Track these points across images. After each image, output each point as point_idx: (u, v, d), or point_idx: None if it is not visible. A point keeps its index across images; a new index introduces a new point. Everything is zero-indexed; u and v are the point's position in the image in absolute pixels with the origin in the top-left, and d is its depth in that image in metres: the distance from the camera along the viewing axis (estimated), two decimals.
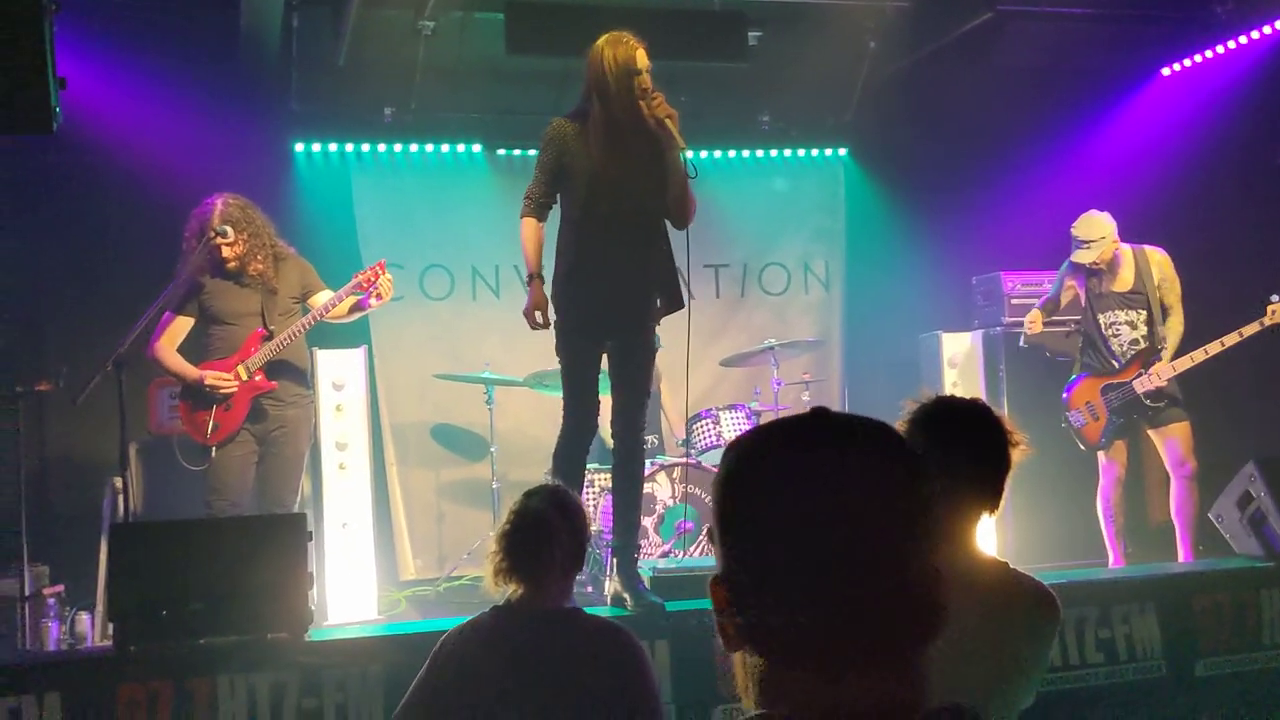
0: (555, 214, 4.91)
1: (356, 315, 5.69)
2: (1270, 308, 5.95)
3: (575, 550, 3.08)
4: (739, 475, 1.26)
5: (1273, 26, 7.19)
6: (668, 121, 4.59)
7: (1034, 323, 6.54)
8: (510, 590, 3.05)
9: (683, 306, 4.98)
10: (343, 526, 6.39)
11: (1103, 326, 6.36)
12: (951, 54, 7.59)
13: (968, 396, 2.79)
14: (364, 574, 6.38)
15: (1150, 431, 6.34)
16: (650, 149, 4.68)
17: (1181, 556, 6.12)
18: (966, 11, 7.03)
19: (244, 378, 5.40)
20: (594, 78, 4.74)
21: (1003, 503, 2.63)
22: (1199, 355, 6.10)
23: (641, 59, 4.69)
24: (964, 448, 2.54)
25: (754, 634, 1.22)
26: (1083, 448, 6.49)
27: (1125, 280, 6.33)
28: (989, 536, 7.03)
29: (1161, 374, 6.14)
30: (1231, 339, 6.03)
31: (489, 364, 7.45)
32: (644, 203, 4.73)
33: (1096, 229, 6.29)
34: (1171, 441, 6.21)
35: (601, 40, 4.73)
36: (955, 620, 2.46)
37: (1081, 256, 6.31)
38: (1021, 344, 6.92)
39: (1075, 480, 6.61)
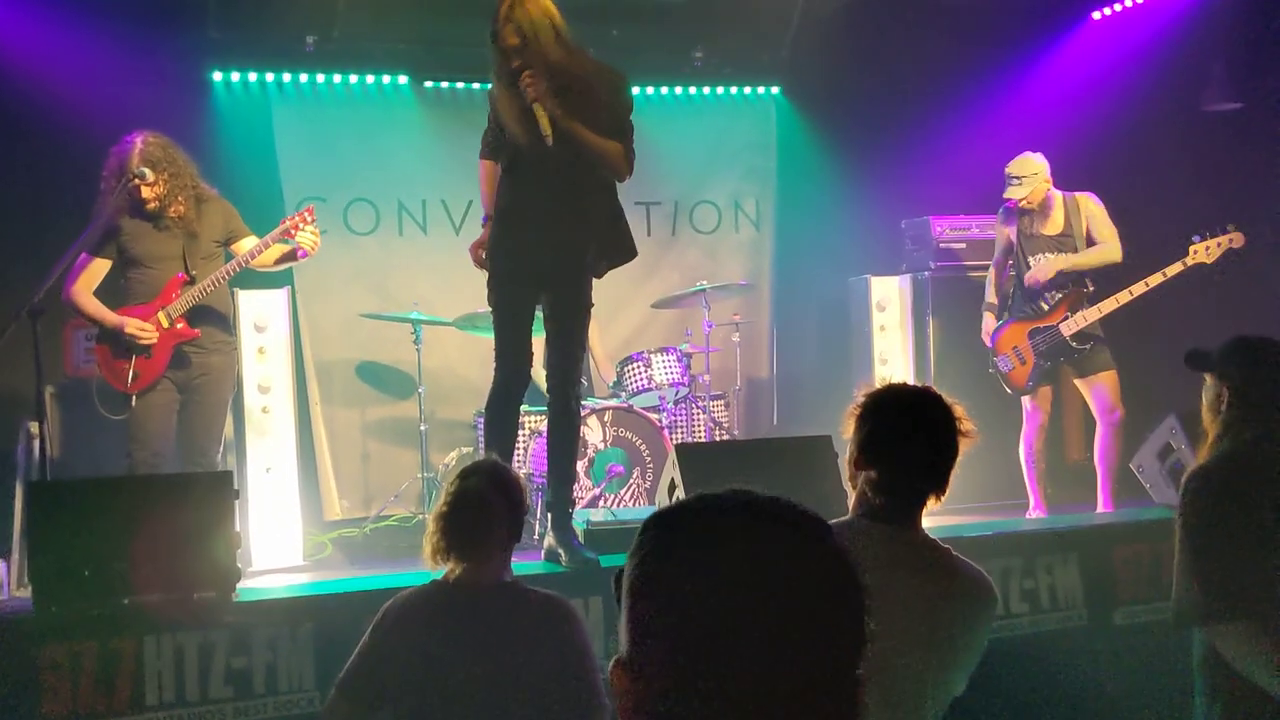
0: None
1: (284, 266, 5.55)
2: (1192, 247, 6.04)
3: (514, 525, 3.07)
4: (656, 558, 1.18)
5: None
6: (535, 108, 4.46)
7: (989, 334, 6.61)
8: (449, 567, 3.01)
9: (632, 257, 4.90)
10: (266, 471, 6.27)
11: (1030, 268, 6.42)
12: None
13: (908, 376, 2.80)
14: (288, 519, 6.29)
15: (1078, 380, 6.42)
16: (569, 105, 4.55)
17: (1101, 503, 6.25)
18: None
19: (165, 325, 5.24)
20: None
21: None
22: (1124, 296, 6.16)
23: (506, 36, 4.51)
24: (912, 436, 2.55)
25: None
26: (1009, 392, 6.57)
27: (1056, 223, 6.38)
28: None
29: (1089, 316, 6.21)
30: (1155, 279, 6.09)
31: (417, 303, 7.32)
32: (570, 157, 4.62)
33: (1028, 166, 6.34)
34: (1099, 389, 6.30)
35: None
36: (896, 608, 2.48)
37: (1013, 192, 6.36)
38: (992, 370, 6.73)
39: (998, 424, 6.69)
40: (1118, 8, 7.90)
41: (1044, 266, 6.29)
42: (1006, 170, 6.40)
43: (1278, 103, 7.24)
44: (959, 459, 2.63)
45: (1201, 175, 7.37)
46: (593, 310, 4.96)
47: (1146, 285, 6.10)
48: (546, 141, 4.47)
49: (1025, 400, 6.52)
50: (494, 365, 4.81)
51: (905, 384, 2.75)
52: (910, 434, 2.56)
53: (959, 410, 2.59)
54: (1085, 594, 5.13)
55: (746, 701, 1.11)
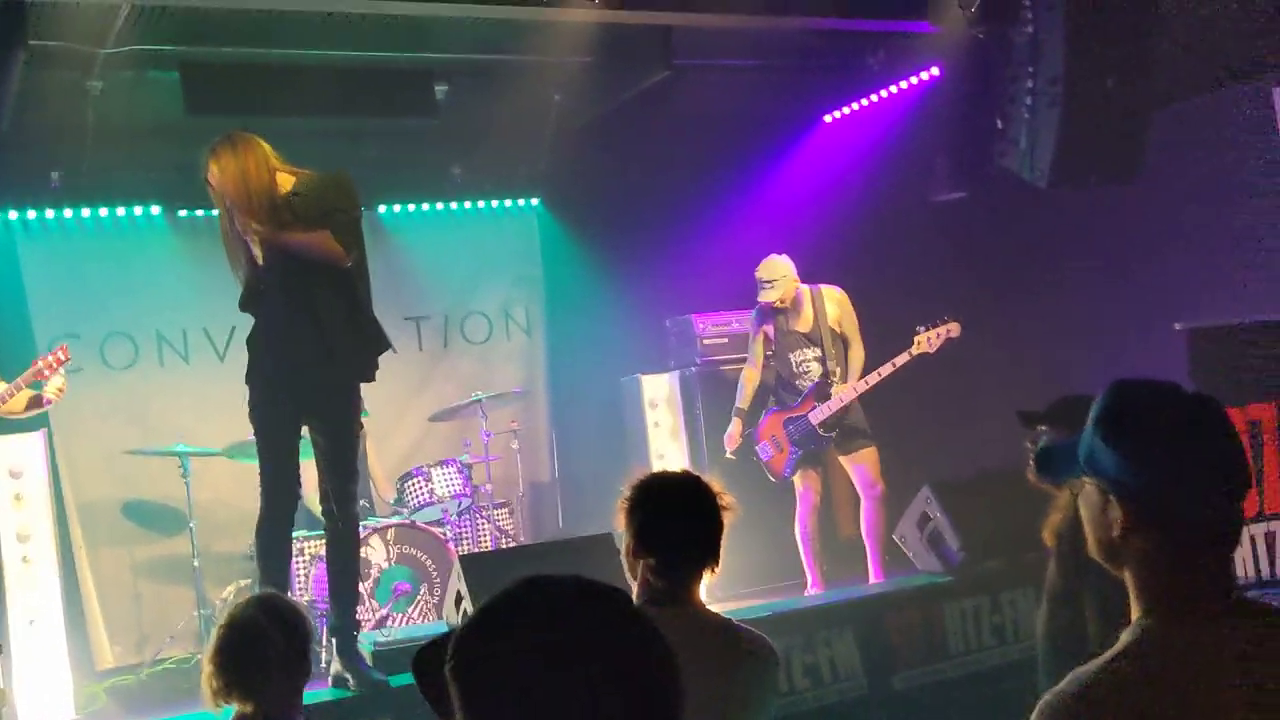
0: None
1: (34, 411, 5.36)
2: (916, 338, 6.50)
3: (295, 655, 2.97)
4: (465, 670, 1.28)
5: (919, 77, 7.83)
6: (251, 240, 4.60)
7: (731, 439, 6.85)
8: (235, 709, 2.91)
9: (386, 348, 4.91)
10: (30, 624, 5.96)
11: (793, 365, 6.76)
12: (633, 104, 7.87)
13: (678, 464, 2.97)
14: (57, 672, 5.97)
15: (841, 458, 6.77)
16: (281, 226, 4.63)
17: (872, 574, 6.56)
18: (646, 67, 7.30)
19: None
20: None
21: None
22: (860, 386, 6.59)
23: (211, 169, 4.64)
24: (680, 518, 2.73)
25: None
26: (772, 479, 6.86)
27: (806, 319, 6.75)
28: None
29: (831, 406, 6.58)
30: (886, 369, 6.55)
31: (182, 435, 7.13)
32: (297, 275, 4.68)
33: (777, 270, 6.71)
34: (860, 467, 6.67)
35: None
36: (691, 682, 2.60)
37: (767, 295, 6.71)
38: (730, 455, 6.96)
39: (773, 508, 6.96)
40: (846, 111, 8.46)
41: (819, 412, 6.61)
42: (757, 275, 6.76)
43: (996, 190, 7.86)
44: (729, 534, 2.81)
45: (936, 263, 7.93)
46: (367, 427, 4.96)
47: (879, 375, 6.55)
48: (260, 263, 4.59)
49: (796, 482, 6.81)
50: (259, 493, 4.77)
51: (665, 471, 2.94)
52: (679, 516, 2.75)
53: (717, 486, 2.79)
54: (863, 663, 5.36)
55: None
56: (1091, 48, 5.88)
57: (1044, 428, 3.80)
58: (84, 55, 6.50)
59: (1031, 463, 3.84)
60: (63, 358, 5.17)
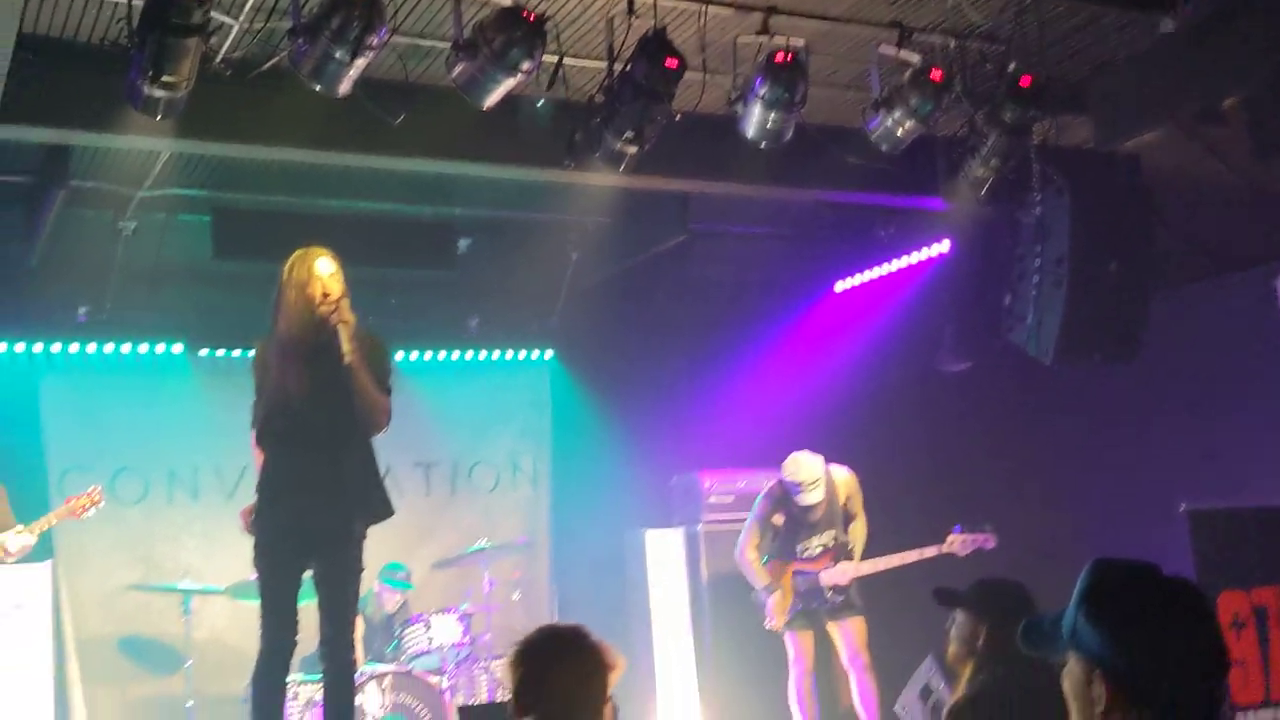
0: None
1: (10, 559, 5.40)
2: (950, 538, 6.47)
3: None
4: None
5: (929, 250, 8.03)
6: (341, 329, 4.65)
7: (773, 616, 6.82)
8: None
9: (389, 514, 4.97)
10: None
11: (798, 552, 6.79)
12: (650, 265, 8.07)
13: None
14: None
15: (830, 624, 6.78)
16: (333, 362, 4.69)
17: None
18: (663, 230, 7.52)
19: None
20: (276, 296, 4.83)
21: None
22: (881, 564, 6.63)
23: (322, 266, 4.78)
24: (567, 670, 2.76)
25: None
26: (767, 626, 6.82)
27: (819, 505, 6.78)
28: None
29: (847, 572, 6.60)
30: (911, 557, 6.56)
31: (186, 573, 7.15)
32: (328, 416, 4.74)
33: (812, 471, 6.71)
34: (848, 634, 6.69)
35: (292, 256, 4.83)
36: None
37: (810, 498, 6.68)
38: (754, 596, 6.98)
39: (768, 668, 6.91)
40: (857, 280, 8.64)
41: (832, 574, 6.66)
42: (788, 478, 6.73)
43: (1002, 363, 7.97)
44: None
45: (941, 433, 8.00)
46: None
47: (903, 560, 6.57)
48: (345, 359, 4.60)
49: (788, 644, 6.77)
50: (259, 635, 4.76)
51: (554, 625, 2.95)
52: (564, 667, 2.76)
53: (604, 646, 2.82)
54: None
55: None
56: (1095, 232, 6.05)
57: (957, 610, 3.78)
58: (120, 196, 6.73)
59: (959, 641, 3.84)
60: (96, 499, 5.21)
